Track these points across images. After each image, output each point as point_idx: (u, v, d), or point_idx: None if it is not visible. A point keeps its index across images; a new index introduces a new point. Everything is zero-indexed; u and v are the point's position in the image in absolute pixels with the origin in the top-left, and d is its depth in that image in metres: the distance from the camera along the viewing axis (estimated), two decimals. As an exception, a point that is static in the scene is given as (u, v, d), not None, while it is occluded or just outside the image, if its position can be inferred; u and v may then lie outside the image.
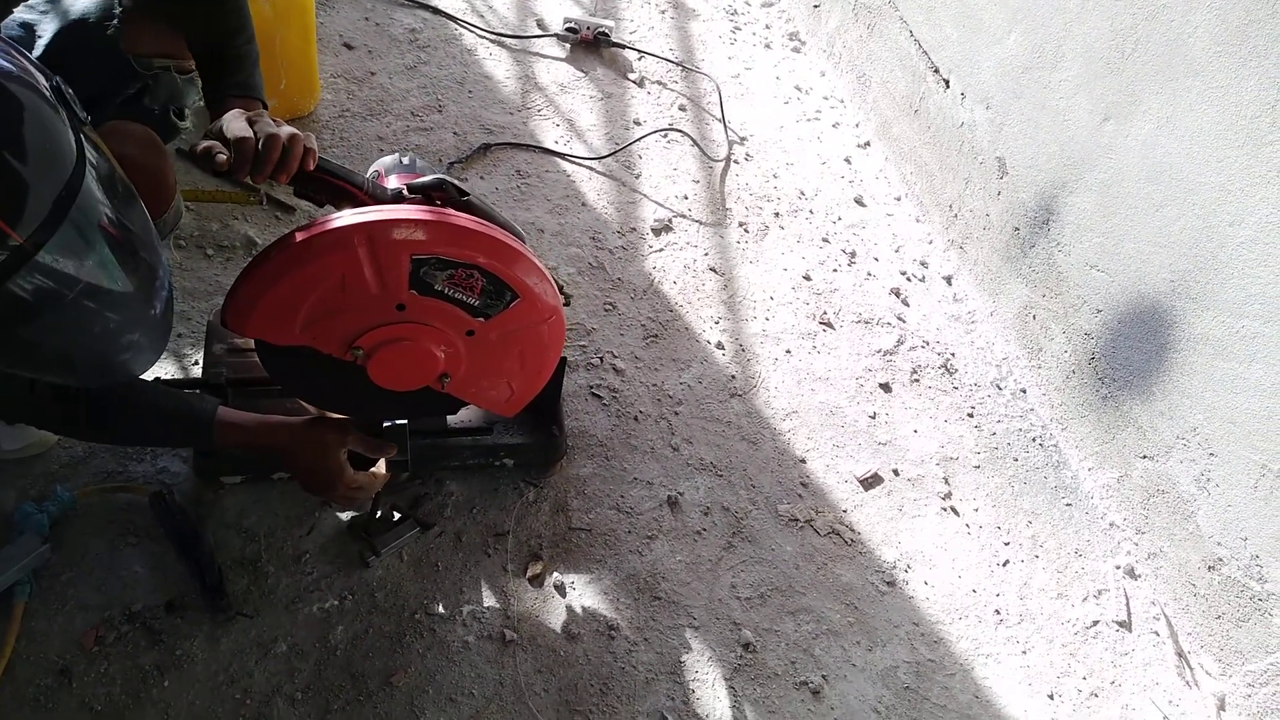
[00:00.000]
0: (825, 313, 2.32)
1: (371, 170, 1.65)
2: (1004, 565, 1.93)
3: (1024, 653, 1.80)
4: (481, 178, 2.42)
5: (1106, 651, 1.84)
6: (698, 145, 2.68)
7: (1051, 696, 1.75)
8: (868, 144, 2.81)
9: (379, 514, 1.69)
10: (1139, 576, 1.96)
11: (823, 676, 1.69)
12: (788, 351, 2.22)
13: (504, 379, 1.48)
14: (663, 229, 2.42)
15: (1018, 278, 2.25)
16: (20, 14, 1.38)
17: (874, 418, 2.13)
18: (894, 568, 1.87)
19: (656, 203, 2.50)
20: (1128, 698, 1.78)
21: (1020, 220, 2.21)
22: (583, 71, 2.83)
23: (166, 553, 1.59)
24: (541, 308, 1.38)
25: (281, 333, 1.30)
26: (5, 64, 0.83)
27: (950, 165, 2.46)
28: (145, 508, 1.63)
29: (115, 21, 1.37)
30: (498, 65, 2.77)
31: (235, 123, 1.19)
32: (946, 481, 2.04)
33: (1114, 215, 1.94)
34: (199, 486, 1.69)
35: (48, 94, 0.86)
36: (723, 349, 2.19)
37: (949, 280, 2.47)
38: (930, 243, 2.56)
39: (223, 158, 1.16)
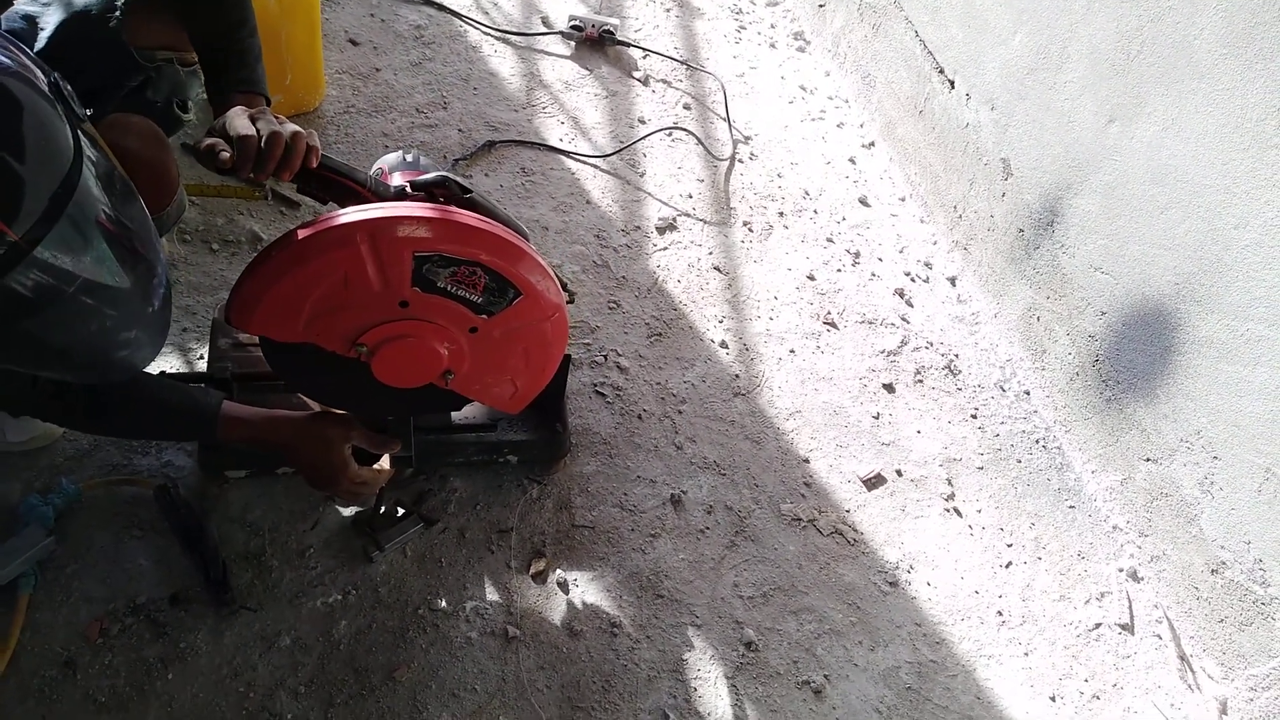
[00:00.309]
0: (829, 313, 2.32)
1: (375, 167, 1.66)
2: (1007, 567, 1.93)
3: (1026, 654, 1.80)
4: (486, 175, 2.42)
5: (1109, 654, 1.84)
6: (702, 144, 2.68)
7: (1053, 698, 1.75)
8: (872, 144, 2.81)
9: (383, 509, 1.69)
10: (1142, 579, 1.96)
11: (825, 676, 1.69)
12: (791, 351, 2.22)
13: (508, 376, 1.48)
14: (667, 227, 2.43)
15: (1022, 279, 2.25)
16: (23, 6, 1.38)
17: (877, 418, 2.13)
18: (897, 568, 1.87)
19: (661, 201, 2.50)
20: (1130, 700, 1.78)
21: (1025, 222, 2.21)
22: (587, 69, 2.83)
23: (171, 546, 1.60)
24: (545, 305, 1.38)
25: (285, 330, 1.30)
26: (3, 59, 0.83)
27: (955, 166, 2.46)
28: (150, 501, 1.63)
29: (118, 14, 1.38)
30: (503, 62, 2.77)
31: (238, 120, 1.19)
32: (950, 483, 2.04)
33: (1118, 217, 1.94)
34: (203, 480, 1.69)
35: (45, 90, 0.86)
36: (726, 348, 2.19)
37: (953, 281, 2.47)
38: (934, 243, 2.56)
39: (226, 155, 1.16)
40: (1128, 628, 1.88)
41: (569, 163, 2.53)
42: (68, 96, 0.89)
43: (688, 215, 2.48)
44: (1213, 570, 1.79)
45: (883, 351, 2.26)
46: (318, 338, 1.32)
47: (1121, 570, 1.97)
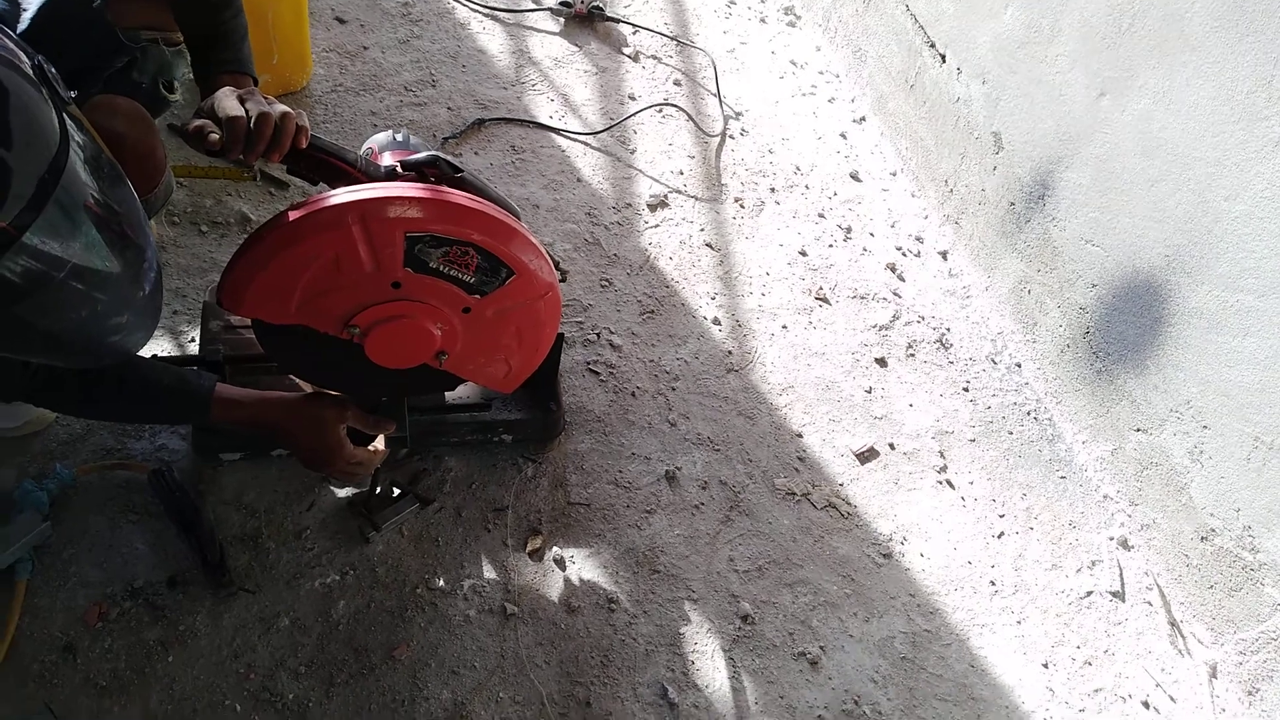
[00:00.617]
0: (821, 288, 2.32)
1: (365, 147, 1.65)
2: (999, 537, 1.94)
3: (1019, 623, 1.83)
4: (476, 153, 2.41)
5: (1100, 621, 1.86)
6: (693, 120, 2.67)
7: (1046, 665, 1.78)
8: (863, 119, 2.81)
9: (378, 490, 1.69)
10: (1132, 547, 1.98)
11: (820, 647, 1.70)
12: (784, 327, 2.22)
13: (501, 355, 1.48)
14: (658, 204, 2.42)
15: (1013, 253, 2.25)
16: (5, -13, 1.36)
17: (870, 392, 2.14)
18: (890, 540, 1.89)
19: (652, 178, 2.49)
20: (1121, 666, 1.80)
21: (1016, 195, 2.21)
22: (577, 46, 2.81)
23: (166, 530, 1.60)
24: (537, 284, 1.38)
25: (277, 312, 1.30)
26: None
27: (946, 140, 2.46)
28: (144, 485, 1.63)
29: None
30: (491, 39, 2.75)
31: (227, 101, 1.19)
32: (942, 455, 2.05)
33: (1109, 190, 1.94)
34: (198, 463, 1.69)
35: (30, 73, 0.85)
36: (719, 324, 2.19)
37: (944, 255, 2.47)
38: (926, 218, 2.56)
39: (215, 137, 1.15)
40: (1119, 595, 1.90)
41: (559, 140, 2.52)
42: (53, 79, 0.88)
43: (679, 192, 2.47)
44: (1202, 538, 1.81)
45: (875, 326, 2.27)
46: (310, 319, 1.32)
47: (1112, 539, 1.99)
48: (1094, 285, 2.01)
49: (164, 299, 1.82)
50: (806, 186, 2.57)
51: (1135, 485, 1.97)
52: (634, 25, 2.90)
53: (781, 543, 1.84)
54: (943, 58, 2.43)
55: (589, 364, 2.03)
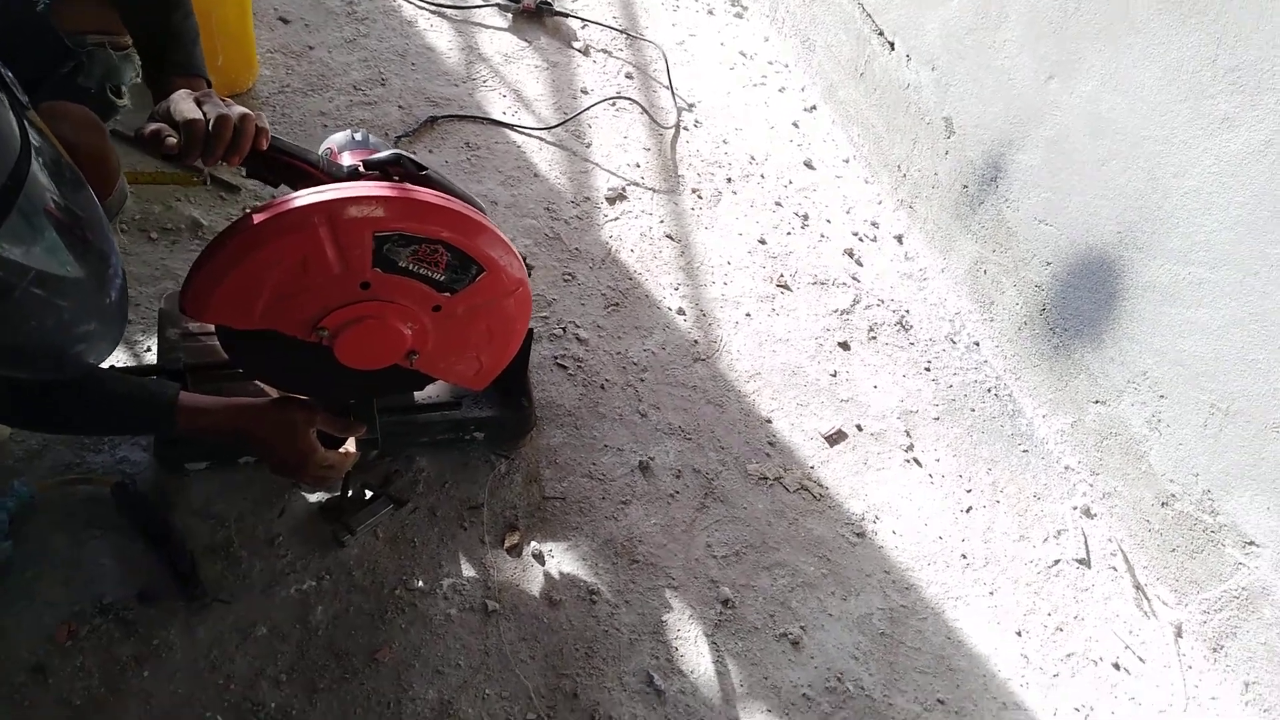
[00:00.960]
0: (782, 275, 2.34)
1: (324, 148, 1.62)
2: (967, 512, 1.98)
3: (991, 593, 1.87)
4: (430, 151, 2.39)
5: (1068, 588, 1.91)
6: (647, 113, 2.67)
7: (1019, 633, 1.82)
8: (814, 108, 2.84)
9: (350, 493, 1.67)
10: (1095, 516, 2.04)
11: (801, 627, 1.72)
12: (747, 315, 2.24)
13: (472, 353, 1.47)
14: (617, 197, 2.42)
15: (968, 234, 2.29)
16: (-56, -2, 1.32)
17: (835, 375, 2.16)
18: (863, 519, 1.92)
19: (609, 171, 2.49)
20: (1090, 630, 1.85)
21: (969, 178, 2.26)
22: (526, 41, 2.80)
23: (132, 544, 1.55)
24: (507, 280, 1.37)
25: (243, 317, 1.27)
26: None
27: (897, 126, 2.50)
28: (107, 499, 1.59)
29: None
30: (439, 36, 2.72)
31: (183, 104, 1.16)
32: (908, 434, 2.09)
33: (1061, 171, 1.99)
34: (162, 475, 1.65)
35: None
36: (683, 315, 2.20)
37: (900, 239, 2.51)
38: (880, 203, 2.60)
39: (172, 140, 1.12)
40: (1084, 562, 1.96)
41: (514, 136, 2.50)
42: (10, 84, 0.86)
43: (637, 184, 2.48)
44: (1163, 503, 1.87)
45: (836, 311, 2.30)
46: (277, 323, 1.29)
47: (1076, 508, 2.04)
48: (1048, 263, 2.05)
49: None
50: (762, 176, 2.59)
51: (1096, 455, 2.02)
52: (583, 19, 2.90)
53: (757, 527, 1.85)
54: (891, 45, 2.47)
55: (556, 359, 2.03)
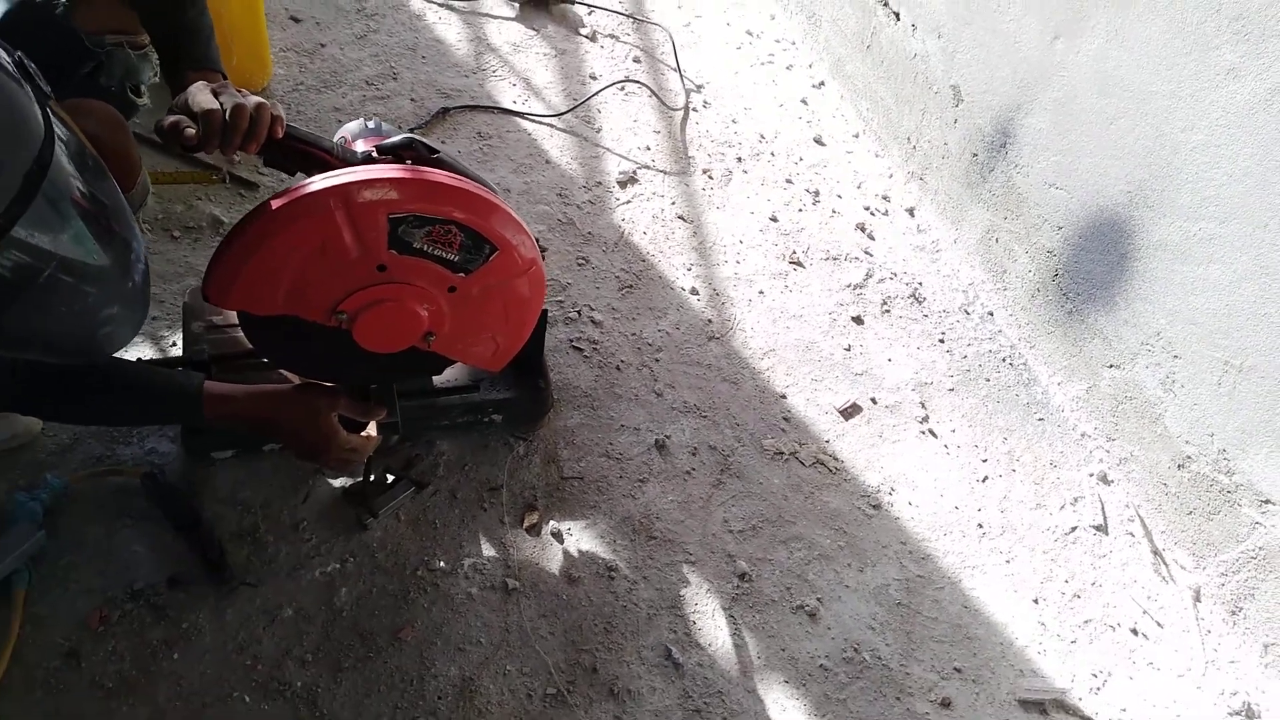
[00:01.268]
0: (794, 252, 2.35)
1: (338, 136, 1.64)
2: (983, 481, 1.99)
3: (1008, 562, 1.87)
4: (443, 141, 2.41)
5: (1086, 555, 1.91)
6: (656, 95, 2.68)
7: (1036, 601, 1.82)
8: (822, 84, 2.84)
9: (373, 478, 1.70)
10: (1112, 482, 2.03)
11: (818, 599, 1.74)
12: (760, 292, 2.25)
13: (488, 333, 1.49)
14: (628, 181, 2.44)
15: (978, 203, 2.29)
16: (-35, -1, 1.35)
17: (849, 350, 2.17)
18: (878, 491, 1.93)
19: (620, 155, 2.50)
20: (1108, 596, 1.85)
21: (978, 146, 2.25)
22: (534, 29, 2.81)
23: (163, 532, 1.60)
24: (521, 259, 1.39)
25: (264, 303, 1.30)
26: None
27: (905, 98, 2.49)
28: (137, 489, 1.63)
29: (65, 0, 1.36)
30: (448, 29, 2.75)
31: (201, 95, 1.19)
32: (923, 406, 2.09)
33: (1069, 132, 1.98)
34: (189, 464, 1.69)
35: (12, 69, 0.85)
36: (697, 294, 2.22)
37: (911, 212, 2.51)
38: (891, 176, 2.59)
39: (191, 131, 1.15)
40: (1102, 529, 1.96)
41: (525, 124, 2.52)
42: (34, 74, 0.89)
43: (647, 167, 2.49)
44: (1179, 465, 1.87)
45: (849, 285, 2.30)
46: (297, 309, 1.32)
47: (1092, 475, 2.04)
48: (1060, 228, 2.05)
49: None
50: (772, 154, 2.60)
51: (1111, 421, 2.02)
52: (589, 5, 2.91)
53: (773, 501, 1.87)
54: (897, 15, 2.46)
55: (572, 341, 2.05)
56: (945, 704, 1.65)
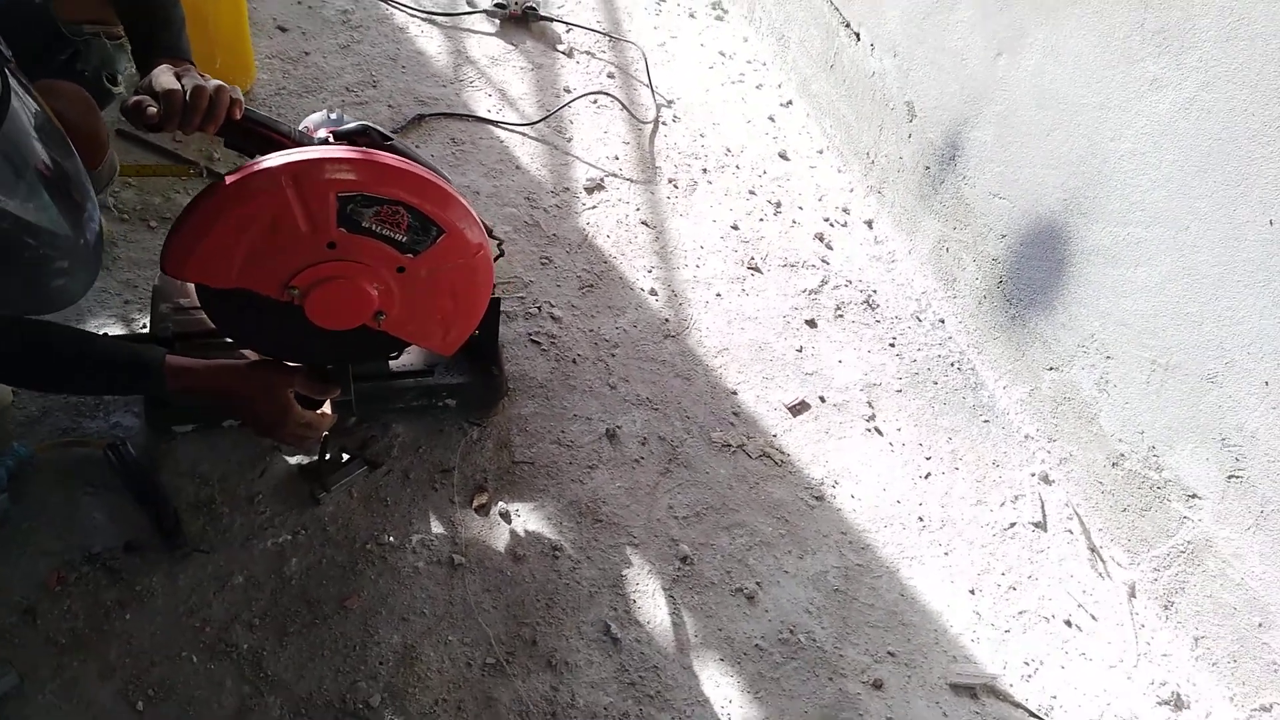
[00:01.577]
0: (753, 258, 2.43)
1: (301, 125, 1.73)
2: (926, 478, 2.05)
3: (946, 554, 1.92)
4: (417, 146, 2.49)
5: (1024, 550, 1.96)
6: (627, 109, 2.78)
7: (973, 591, 1.87)
8: (790, 102, 2.93)
9: (328, 456, 1.76)
10: (1053, 482, 2.09)
11: (757, 583, 1.79)
12: (718, 295, 2.32)
13: (438, 316, 1.55)
14: (595, 187, 2.52)
15: (931, 214, 2.37)
16: (-57, -13, 1.44)
17: (801, 351, 2.24)
18: (822, 484, 1.98)
19: (588, 164, 2.59)
20: (1044, 590, 1.90)
21: (930, 159, 2.34)
22: (513, 44, 2.92)
23: (123, 502, 1.65)
24: (468, 243, 1.46)
25: (220, 276, 1.37)
26: None
27: (865, 115, 2.58)
28: (100, 461, 1.69)
29: None
30: (429, 42, 2.85)
31: (163, 77, 1.27)
32: (870, 405, 2.16)
33: (1011, 144, 2.07)
34: (151, 437, 1.75)
35: None
36: (656, 295, 2.29)
37: (870, 224, 2.59)
38: (851, 191, 2.68)
39: (153, 110, 1.23)
40: (1040, 525, 2.01)
41: (498, 132, 2.61)
42: None
43: (615, 175, 2.58)
44: (1113, 464, 1.93)
45: (804, 291, 2.38)
46: (251, 283, 1.38)
47: (1034, 475, 2.09)
48: (1003, 236, 2.13)
49: (115, 289, 1.89)
50: (737, 167, 2.68)
51: (1052, 422, 2.08)
52: (567, 23, 3.02)
53: (719, 490, 1.92)
54: (857, 35, 2.56)
55: (531, 335, 2.12)
56: (877, 685, 1.69)
